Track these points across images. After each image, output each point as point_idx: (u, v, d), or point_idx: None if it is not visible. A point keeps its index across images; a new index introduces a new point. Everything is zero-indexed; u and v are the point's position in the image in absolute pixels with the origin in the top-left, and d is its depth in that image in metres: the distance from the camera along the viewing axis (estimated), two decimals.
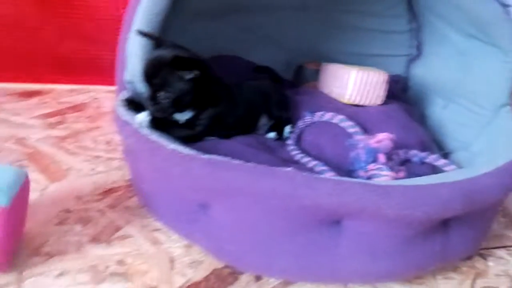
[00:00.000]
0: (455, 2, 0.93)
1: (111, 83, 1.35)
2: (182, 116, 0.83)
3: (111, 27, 1.32)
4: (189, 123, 0.84)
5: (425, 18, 1.16)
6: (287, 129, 0.97)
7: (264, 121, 0.98)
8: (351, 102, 1.01)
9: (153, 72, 0.77)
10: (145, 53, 0.81)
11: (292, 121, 0.99)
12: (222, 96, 0.87)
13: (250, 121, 0.96)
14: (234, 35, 1.23)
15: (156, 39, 0.80)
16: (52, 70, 1.38)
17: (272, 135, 0.95)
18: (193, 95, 0.79)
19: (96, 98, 1.32)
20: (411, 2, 1.17)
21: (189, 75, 0.77)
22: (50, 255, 0.71)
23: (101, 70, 1.37)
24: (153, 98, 0.77)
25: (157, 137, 0.70)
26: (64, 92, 1.34)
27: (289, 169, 0.64)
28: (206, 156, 0.65)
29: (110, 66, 1.36)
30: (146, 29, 0.79)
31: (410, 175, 0.82)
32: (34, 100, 1.27)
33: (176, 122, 0.83)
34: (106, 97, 1.33)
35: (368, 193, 0.61)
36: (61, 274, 0.68)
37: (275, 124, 0.98)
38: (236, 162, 0.64)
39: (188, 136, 0.81)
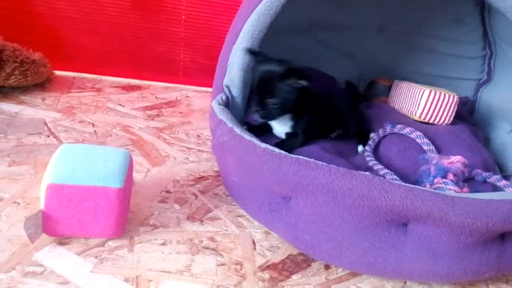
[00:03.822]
0: None
1: (200, 84, 1.51)
2: (283, 128, 0.97)
3: (203, 35, 1.48)
4: (290, 135, 0.97)
5: (498, 46, 1.20)
6: (360, 147, 1.05)
7: (336, 133, 1.06)
8: (421, 119, 1.08)
9: (265, 82, 0.90)
10: (244, 63, 0.93)
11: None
12: (312, 105, 0.97)
13: (327, 129, 1.05)
14: (313, 49, 1.32)
15: (262, 56, 0.92)
16: (151, 69, 1.52)
17: (360, 148, 1.03)
18: (296, 102, 0.91)
19: (187, 96, 1.45)
20: (486, 30, 1.22)
21: (298, 84, 0.90)
22: (155, 226, 0.83)
23: (192, 72, 1.52)
24: (261, 104, 0.90)
25: (250, 137, 0.80)
26: (160, 89, 1.49)
27: (366, 173, 0.73)
28: (294, 156, 0.74)
29: (201, 69, 1.51)
30: (248, 43, 0.91)
31: (473, 192, 0.88)
32: (135, 94, 1.41)
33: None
34: (195, 96, 1.46)
35: (436, 201, 0.67)
36: (164, 243, 0.79)
37: (361, 138, 1.05)
38: (320, 163, 0.72)
39: (293, 146, 0.95)
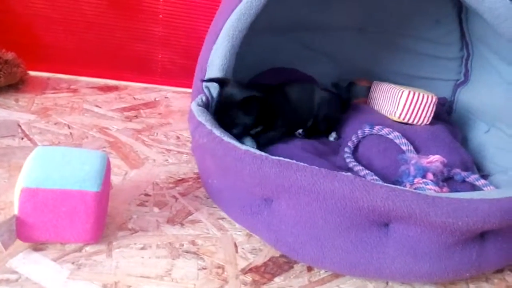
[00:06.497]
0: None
1: (179, 84, 1.49)
2: None
3: (181, 35, 1.46)
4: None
5: (475, 48, 1.22)
6: (333, 135, 1.09)
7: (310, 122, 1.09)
8: (400, 120, 1.09)
9: (224, 111, 0.92)
10: (225, 64, 0.92)
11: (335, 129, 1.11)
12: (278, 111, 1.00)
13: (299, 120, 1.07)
14: (293, 49, 1.32)
15: (220, 81, 0.93)
16: (128, 69, 1.50)
17: (333, 136, 1.09)
18: (256, 123, 0.96)
19: (166, 97, 1.44)
20: (464, 31, 1.24)
21: (252, 115, 0.94)
22: (134, 231, 0.81)
23: (171, 73, 1.51)
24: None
25: (229, 139, 0.79)
26: (138, 90, 1.47)
27: (348, 173, 0.73)
28: (276, 158, 0.73)
29: (179, 69, 1.50)
30: (229, 43, 0.90)
31: (452, 191, 0.89)
32: (112, 95, 1.39)
33: None
34: (174, 97, 1.44)
35: (418, 201, 0.67)
36: (143, 248, 0.77)
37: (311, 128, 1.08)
38: (302, 164, 0.72)
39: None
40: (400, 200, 0.68)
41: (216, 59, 0.91)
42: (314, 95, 1.09)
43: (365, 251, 0.73)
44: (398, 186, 0.73)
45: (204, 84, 0.95)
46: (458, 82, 1.30)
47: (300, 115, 1.07)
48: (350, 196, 0.68)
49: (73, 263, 0.72)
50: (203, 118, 0.85)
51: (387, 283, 0.80)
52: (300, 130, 1.07)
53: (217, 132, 0.81)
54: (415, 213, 0.68)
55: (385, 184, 0.72)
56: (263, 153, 0.75)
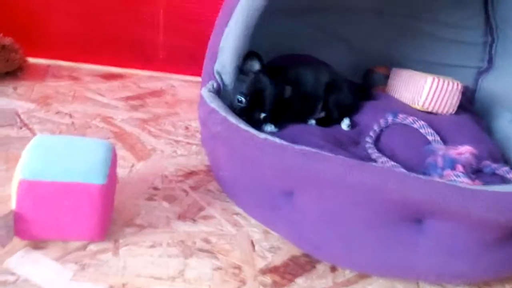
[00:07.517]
0: None
1: (182, 71, 1.44)
2: None
3: (183, 19, 1.40)
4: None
5: (500, 32, 1.17)
6: (346, 121, 1.03)
7: (317, 116, 1.05)
8: (424, 108, 1.03)
9: (258, 97, 0.90)
10: (239, 47, 0.86)
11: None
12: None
13: (310, 103, 1.04)
14: (308, 33, 1.27)
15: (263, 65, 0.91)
16: (129, 55, 1.45)
17: (346, 123, 1.03)
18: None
19: (173, 86, 1.39)
20: (489, 15, 1.19)
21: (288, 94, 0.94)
22: (142, 227, 0.76)
23: (172, 59, 1.46)
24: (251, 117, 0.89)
25: (246, 126, 0.74)
26: (143, 78, 1.43)
27: (377, 164, 0.67)
28: (298, 147, 0.68)
29: (182, 55, 1.44)
30: (243, 23, 0.84)
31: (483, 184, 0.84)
32: (116, 83, 1.35)
33: None
34: (181, 86, 1.40)
35: (455, 194, 0.62)
36: (152, 246, 0.72)
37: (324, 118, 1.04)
38: (327, 154, 0.67)
39: None
40: (435, 193, 0.62)
41: (229, 41, 0.85)
42: (322, 77, 1.05)
43: (395, 250, 0.69)
44: (434, 178, 0.67)
45: (215, 70, 0.89)
46: (481, 69, 1.24)
47: (308, 98, 1.02)
48: (381, 189, 0.63)
49: (76, 263, 0.67)
50: (216, 104, 0.79)
51: (417, 284, 0.75)
52: (313, 121, 1.01)
53: (232, 119, 0.75)
54: (451, 207, 0.63)
55: (420, 175, 0.66)
56: (284, 142, 0.70)
